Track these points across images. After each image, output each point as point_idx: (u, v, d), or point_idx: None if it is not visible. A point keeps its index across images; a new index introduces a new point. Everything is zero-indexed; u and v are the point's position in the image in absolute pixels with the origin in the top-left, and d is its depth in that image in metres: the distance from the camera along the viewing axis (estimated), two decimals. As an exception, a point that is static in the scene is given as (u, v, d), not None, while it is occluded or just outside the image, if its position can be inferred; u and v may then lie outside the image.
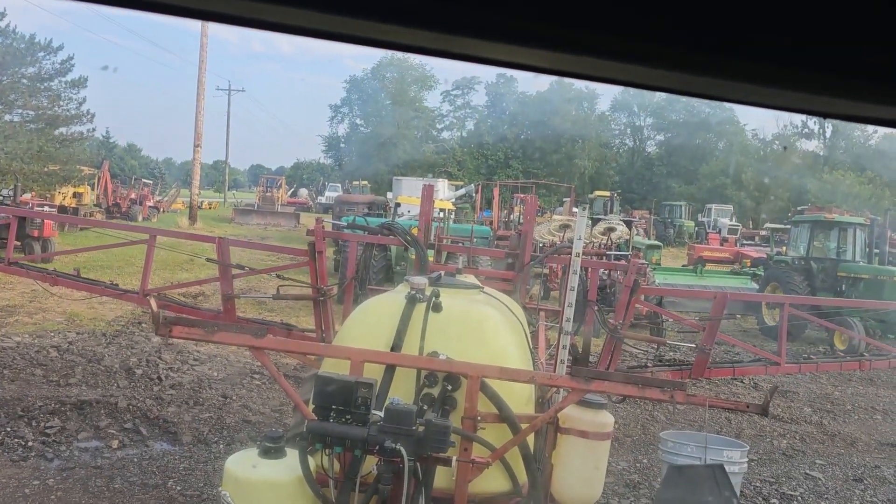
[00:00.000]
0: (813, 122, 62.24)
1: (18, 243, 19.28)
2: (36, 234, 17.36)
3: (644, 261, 19.14)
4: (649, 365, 7.07)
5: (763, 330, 16.28)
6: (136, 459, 6.67)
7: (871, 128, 59.41)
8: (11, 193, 20.46)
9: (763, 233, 38.19)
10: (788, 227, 21.66)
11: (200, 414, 7.97)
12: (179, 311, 7.17)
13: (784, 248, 21.17)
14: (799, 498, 7.18)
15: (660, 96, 70.26)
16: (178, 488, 6.15)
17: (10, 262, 7.31)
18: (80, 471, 6.31)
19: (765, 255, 22.29)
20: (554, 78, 69.31)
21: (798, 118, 63.95)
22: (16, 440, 6.77)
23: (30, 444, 6.73)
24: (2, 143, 26.18)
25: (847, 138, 61.83)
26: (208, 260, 6.70)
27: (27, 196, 24.07)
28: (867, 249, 17.30)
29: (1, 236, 19.75)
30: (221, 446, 7.10)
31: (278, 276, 7.01)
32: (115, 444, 6.97)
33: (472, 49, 0.62)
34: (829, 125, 61.68)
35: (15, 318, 12.01)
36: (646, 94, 70.09)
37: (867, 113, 0.65)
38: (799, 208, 25.68)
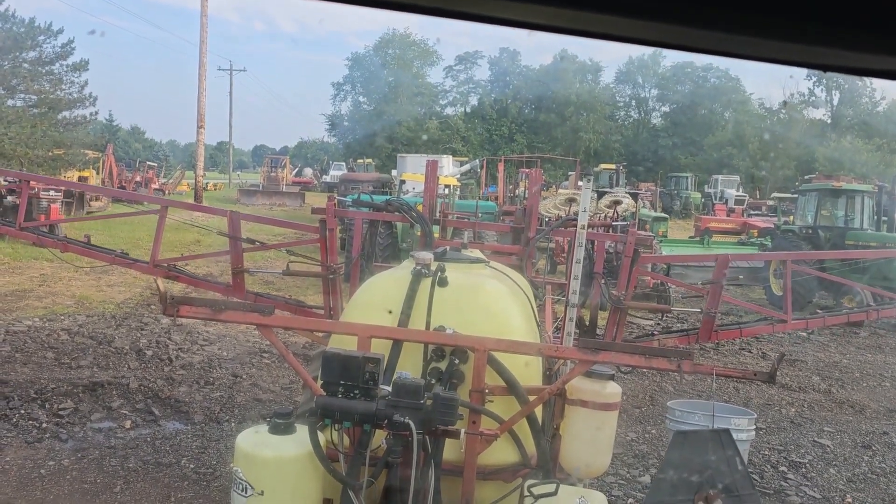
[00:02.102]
0: (820, 90, 61.67)
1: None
2: (42, 218, 17.42)
3: (651, 233, 19.11)
4: (656, 333, 7.06)
5: (771, 300, 16.26)
6: (149, 439, 6.74)
7: (878, 93, 58.76)
8: (17, 179, 20.47)
9: (770, 202, 37.98)
10: (795, 196, 21.52)
11: (211, 393, 8.04)
12: (189, 283, 7.19)
13: (791, 218, 21.06)
14: (807, 465, 7.22)
15: (664, 67, 69.71)
16: (192, 466, 6.22)
17: (21, 227, 7.37)
18: (95, 451, 6.39)
19: (772, 225, 22.20)
20: (557, 51, 68.60)
21: (805, 86, 63.34)
22: (30, 422, 6.85)
23: (44, 425, 6.81)
24: (5, 129, 26.15)
25: (854, 105, 61.22)
26: (219, 233, 6.69)
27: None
28: (875, 217, 17.20)
29: (7, 218, 19.79)
30: (233, 424, 7.17)
31: (288, 252, 7.02)
32: (127, 424, 7.05)
33: (469, 7, 0.61)
34: (836, 92, 61.05)
35: (25, 303, 12.10)
36: (650, 65, 69.51)
37: (868, 65, 0.64)
38: (806, 177, 25.51)
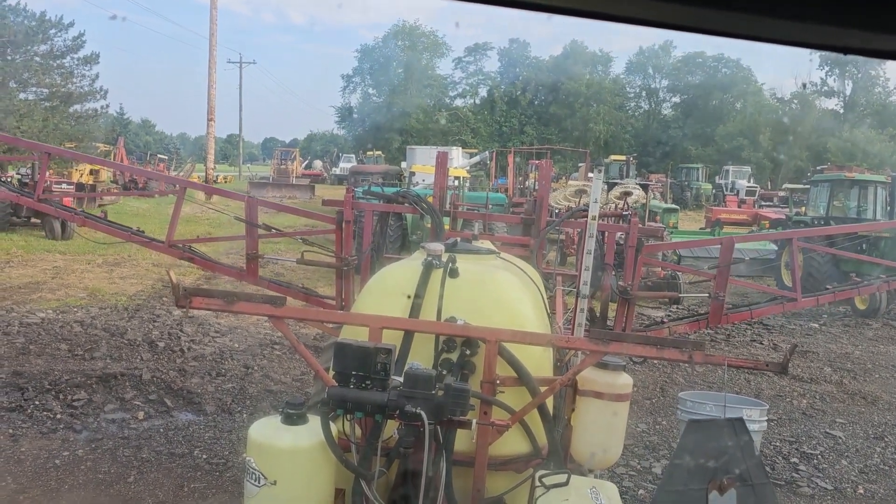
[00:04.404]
0: (833, 80, 61.10)
1: (38, 221, 19.53)
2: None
3: (661, 224, 19.05)
4: (665, 321, 7.01)
5: (782, 289, 16.15)
6: (161, 430, 6.79)
7: (892, 83, 58.15)
8: (30, 172, 20.58)
9: (781, 193, 37.72)
10: (807, 186, 21.36)
11: (223, 384, 8.09)
12: (203, 266, 7.19)
13: (803, 209, 20.90)
14: (819, 457, 7.19)
15: (675, 57, 69.27)
16: (204, 457, 6.27)
17: (40, 199, 7.41)
18: (108, 441, 6.44)
19: (784, 216, 22.04)
20: (567, 41, 68.33)
21: (818, 75, 62.74)
22: (44, 413, 6.92)
23: (58, 416, 6.87)
24: (18, 122, 26.35)
25: (868, 94, 60.62)
26: (236, 218, 6.69)
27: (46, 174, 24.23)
28: (888, 207, 17.04)
29: (22, 212, 19.85)
30: (245, 415, 7.21)
31: (303, 241, 7.02)
32: (140, 415, 7.11)
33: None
34: (849, 81, 60.46)
35: (38, 295, 12.19)
36: (660, 55, 69.05)
37: (888, 46, 0.63)
38: (818, 167, 25.31)
